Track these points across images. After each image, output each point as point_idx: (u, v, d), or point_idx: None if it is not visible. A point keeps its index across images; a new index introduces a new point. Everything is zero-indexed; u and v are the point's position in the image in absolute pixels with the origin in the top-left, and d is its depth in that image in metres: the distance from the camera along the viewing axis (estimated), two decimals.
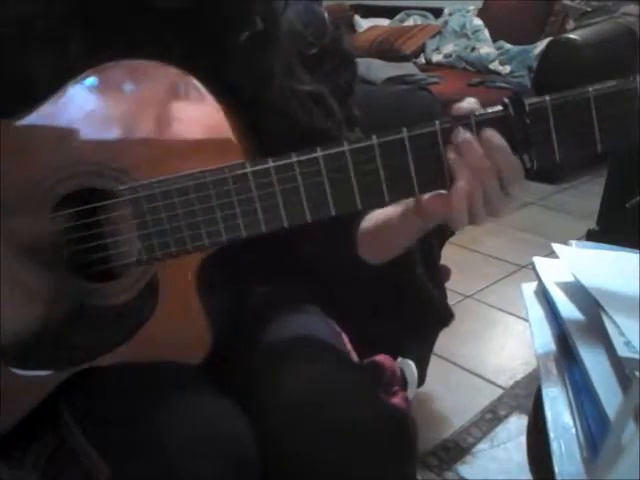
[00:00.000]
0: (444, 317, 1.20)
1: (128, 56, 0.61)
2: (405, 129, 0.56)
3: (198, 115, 0.60)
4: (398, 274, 0.79)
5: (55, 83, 0.61)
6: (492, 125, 0.55)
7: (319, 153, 0.56)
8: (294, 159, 0.56)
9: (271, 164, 0.56)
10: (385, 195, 0.57)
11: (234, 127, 0.61)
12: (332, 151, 0.56)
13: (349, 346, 0.75)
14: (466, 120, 0.56)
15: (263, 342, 0.70)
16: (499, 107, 0.56)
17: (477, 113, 0.56)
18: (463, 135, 0.55)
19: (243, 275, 0.76)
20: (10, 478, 0.66)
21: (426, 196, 0.59)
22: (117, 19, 0.63)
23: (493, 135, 0.55)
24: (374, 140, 0.56)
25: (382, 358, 0.74)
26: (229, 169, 0.57)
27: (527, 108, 0.55)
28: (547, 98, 0.55)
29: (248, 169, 0.57)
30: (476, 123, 0.55)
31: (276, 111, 0.68)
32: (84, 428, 0.64)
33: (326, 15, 0.75)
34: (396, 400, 0.68)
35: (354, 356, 0.74)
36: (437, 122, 0.56)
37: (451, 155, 0.56)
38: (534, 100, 0.55)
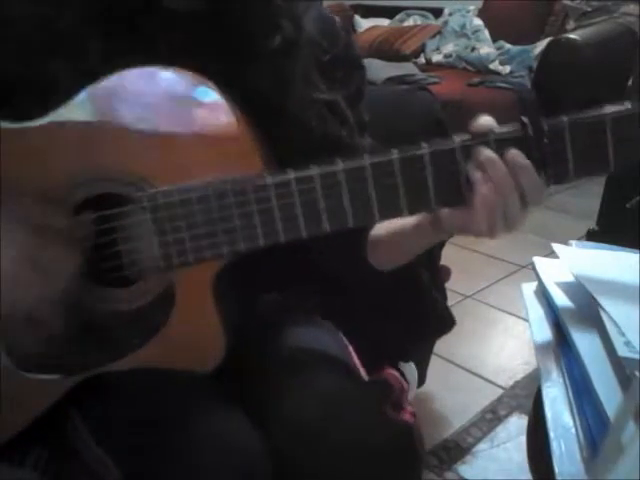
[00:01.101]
0: (446, 323, 1.20)
1: (146, 58, 0.60)
2: (425, 145, 0.56)
3: (218, 123, 0.59)
4: (403, 279, 0.79)
5: (74, 85, 0.60)
6: (510, 144, 0.56)
7: (339, 167, 0.56)
8: (315, 171, 0.56)
9: (292, 176, 0.57)
10: (403, 208, 0.58)
11: (254, 135, 0.61)
12: (352, 165, 0.56)
13: (356, 359, 0.75)
14: (485, 138, 0.56)
15: (273, 355, 0.70)
16: (517, 126, 0.56)
17: (496, 131, 0.56)
18: (487, 153, 0.56)
19: (257, 282, 0.76)
20: (10, 478, 0.66)
21: (445, 210, 0.59)
22: (135, 21, 0.63)
23: (517, 155, 0.56)
24: (394, 155, 0.56)
25: (390, 374, 0.74)
26: (250, 179, 0.57)
27: (546, 128, 0.55)
28: (565, 119, 0.55)
29: (269, 180, 0.57)
30: (495, 141, 0.56)
31: (292, 119, 0.68)
32: (95, 432, 0.64)
33: (337, 20, 0.75)
34: (404, 416, 0.69)
35: (361, 370, 0.74)
36: (457, 139, 0.56)
37: (473, 172, 0.56)
38: (552, 121, 0.56)
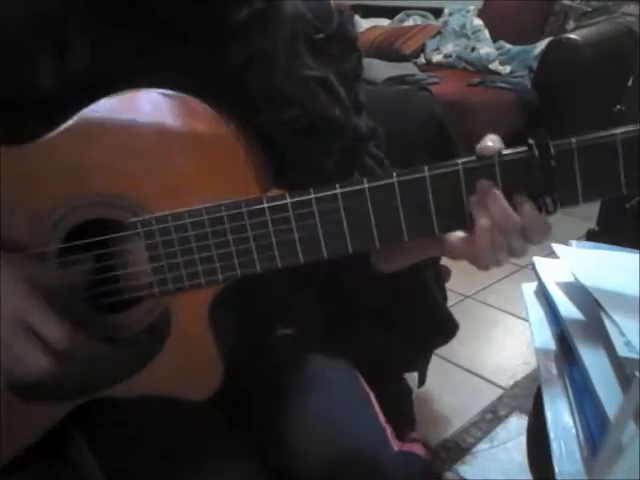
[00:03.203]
0: (449, 328, 1.20)
1: (130, 45, 0.60)
2: (426, 167, 0.54)
3: (214, 146, 0.59)
4: (406, 280, 0.78)
5: (59, 88, 0.60)
6: (516, 166, 0.54)
7: (338, 190, 0.55)
8: (312, 195, 0.55)
9: (288, 200, 0.55)
10: (404, 233, 0.56)
11: (250, 157, 0.60)
12: (351, 188, 0.55)
13: (377, 407, 0.73)
14: (490, 160, 0.54)
15: (294, 413, 0.69)
16: (523, 147, 0.54)
17: (502, 153, 0.54)
18: (489, 190, 0.54)
19: (259, 304, 0.74)
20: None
21: (449, 237, 0.58)
22: (117, 13, 0.62)
23: (525, 204, 0.54)
24: (394, 178, 0.55)
25: (415, 442, 0.73)
26: (245, 203, 0.56)
27: (552, 150, 0.53)
28: (573, 140, 0.53)
29: (265, 204, 0.56)
30: (499, 164, 0.54)
31: (281, 98, 0.66)
32: (99, 457, 0.64)
33: (331, 1, 0.73)
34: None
35: (381, 418, 0.72)
36: (459, 162, 0.54)
37: (475, 207, 0.55)
38: (560, 142, 0.53)
